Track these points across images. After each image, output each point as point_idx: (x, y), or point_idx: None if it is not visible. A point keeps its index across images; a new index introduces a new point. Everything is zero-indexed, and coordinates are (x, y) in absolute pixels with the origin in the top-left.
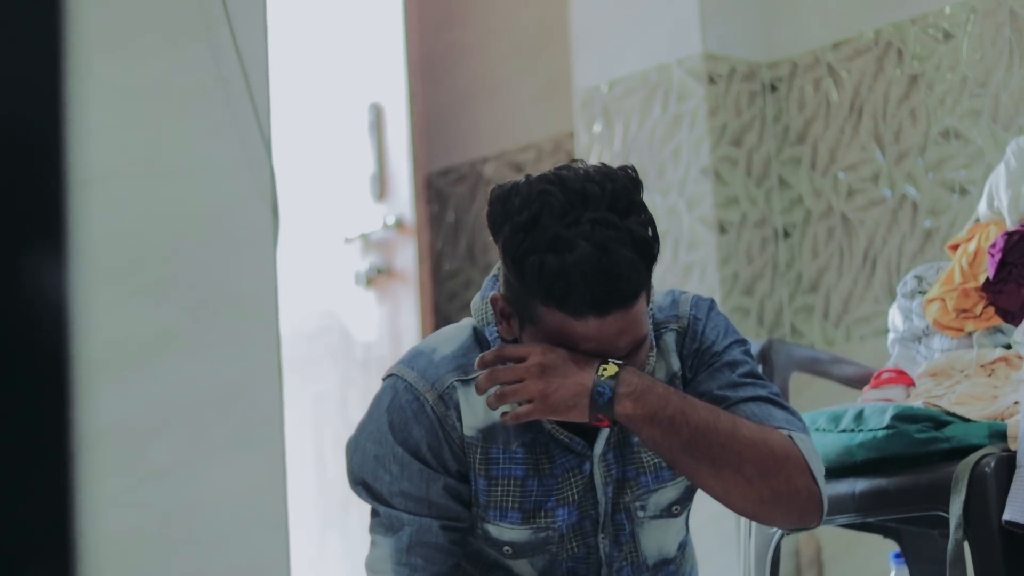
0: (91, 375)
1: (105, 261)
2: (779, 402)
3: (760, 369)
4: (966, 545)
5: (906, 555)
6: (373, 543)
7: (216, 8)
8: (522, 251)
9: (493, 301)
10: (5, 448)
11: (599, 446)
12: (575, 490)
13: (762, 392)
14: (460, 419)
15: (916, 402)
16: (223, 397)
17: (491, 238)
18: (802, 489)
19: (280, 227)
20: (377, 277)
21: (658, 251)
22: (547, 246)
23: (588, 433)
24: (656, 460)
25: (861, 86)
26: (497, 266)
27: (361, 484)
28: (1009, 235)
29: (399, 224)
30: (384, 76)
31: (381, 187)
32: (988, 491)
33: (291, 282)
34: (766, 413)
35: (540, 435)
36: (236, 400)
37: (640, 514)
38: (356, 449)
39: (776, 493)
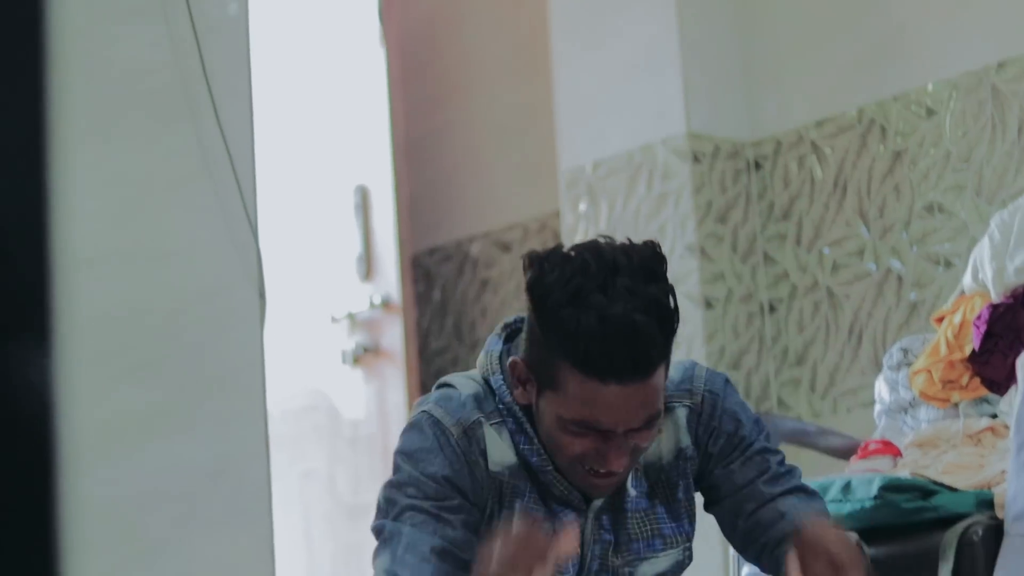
0: (78, 456)
1: (92, 344)
2: (809, 489)
3: None
4: None
5: None
6: (374, 569)
7: (201, 92)
8: (556, 307)
9: (513, 365)
10: None
11: (597, 502)
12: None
13: (796, 482)
14: (484, 455)
15: (903, 472)
16: (211, 476)
17: (476, 316)
18: None
19: (267, 308)
20: (364, 356)
21: (678, 322)
22: (581, 304)
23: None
24: (649, 528)
25: (845, 163)
26: (501, 325)
27: (379, 513)
28: (994, 307)
29: (386, 303)
30: (369, 158)
31: (367, 267)
32: (976, 559)
33: (278, 361)
34: (806, 505)
35: (540, 485)
36: (224, 478)
37: None
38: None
39: None
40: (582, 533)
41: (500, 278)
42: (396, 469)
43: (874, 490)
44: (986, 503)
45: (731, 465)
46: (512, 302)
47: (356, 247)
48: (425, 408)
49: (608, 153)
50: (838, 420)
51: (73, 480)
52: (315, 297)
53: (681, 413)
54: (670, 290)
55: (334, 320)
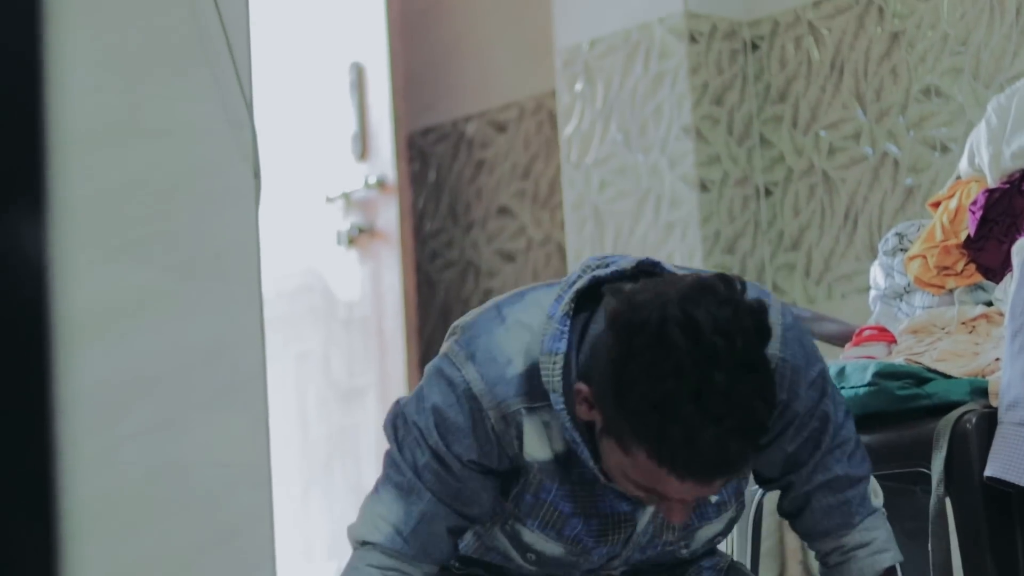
0: (73, 335)
1: (86, 222)
2: (852, 478)
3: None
4: (948, 501)
5: (888, 511)
6: (379, 495)
7: None
8: (638, 409)
9: (577, 391)
10: None
11: None
12: (620, 534)
13: (839, 470)
14: (520, 438)
15: (898, 359)
16: (205, 356)
17: (471, 197)
18: None
19: (262, 187)
20: (359, 236)
21: (774, 413)
22: (669, 414)
23: None
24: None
25: (842, 44)
26: (565, 282)
27: (395, 431)
28: (990, 192)
29: (381, 183)
30: (365, 35)
31: (363, 146)
32: (969, 447)
33: (273, 242)
34: (839, 501)
35: (588, 472)
36: (219, 359)
37: (684, 552)
38: (411, 408)
39: None
40: (635, 522)
41: (496, 158)
42: (422, 412)
43: (868, 376)
44: (980, 391)
45: (786, 432)
46: (508, 183)
47: (351, 126)
48: (467, 374)
49: (605, 31)
50: (833, 305)
51: (67, 357)
52: (310, 176)
53: None
54: (769, 378)
55: (329, 200)
